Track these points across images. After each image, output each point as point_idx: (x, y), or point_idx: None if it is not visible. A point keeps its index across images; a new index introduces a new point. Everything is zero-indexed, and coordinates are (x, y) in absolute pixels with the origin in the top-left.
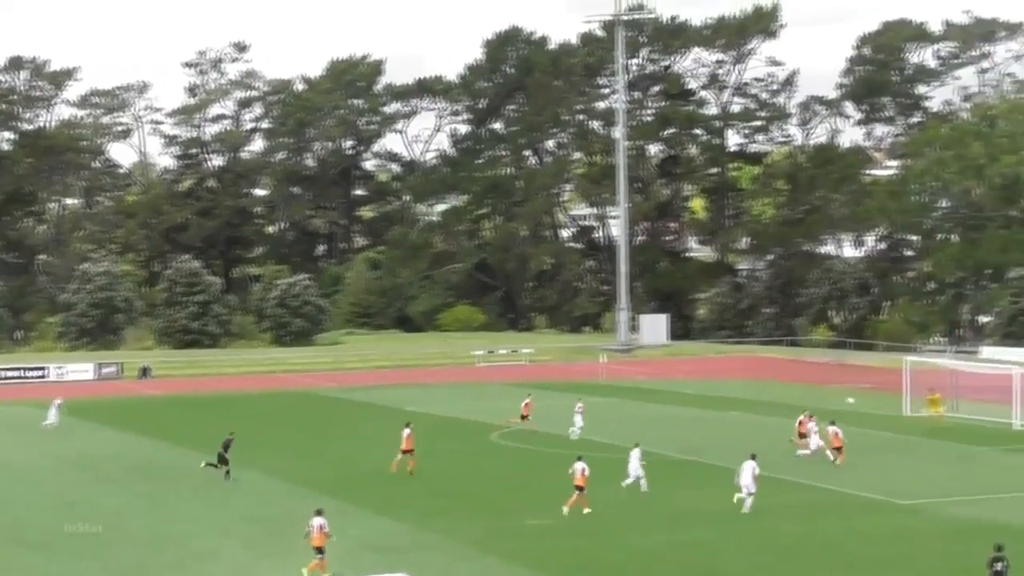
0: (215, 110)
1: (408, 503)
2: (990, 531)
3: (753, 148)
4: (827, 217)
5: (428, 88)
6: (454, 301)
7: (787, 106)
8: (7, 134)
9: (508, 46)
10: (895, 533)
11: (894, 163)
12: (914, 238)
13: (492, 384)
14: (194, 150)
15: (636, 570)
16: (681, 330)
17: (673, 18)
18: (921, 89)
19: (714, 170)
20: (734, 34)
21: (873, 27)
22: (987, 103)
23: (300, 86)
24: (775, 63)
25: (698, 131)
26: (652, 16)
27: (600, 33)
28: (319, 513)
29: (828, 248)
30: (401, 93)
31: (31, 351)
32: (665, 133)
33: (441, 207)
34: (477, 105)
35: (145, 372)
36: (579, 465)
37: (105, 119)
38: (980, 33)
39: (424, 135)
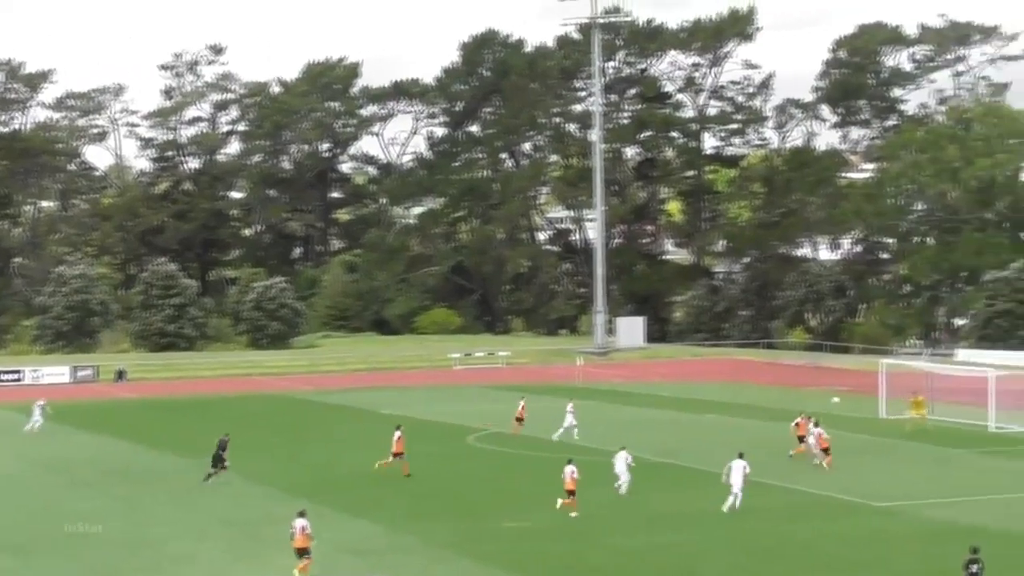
0: (191, 113)
1: (385, 506)
2: (966, 533)
3: (729, 151)
4: (803, 220)
5: (404, 91)
6: (431, 304)
7: (763, 109)
8: None
9: (484, 49)
10: (872, 535)
11: (870, 166)
12: (890, 241)
13: (469, 387)
14: (170, 153)
15: (615, 572)
16: (657, 333)
17: (649, 21)
18: (896, 92)
19: (690, 173)
20: (710, 37)
21: (848, 30)
22: (962, 106)
23: (276, 89)
24: (751, 66)
25: (674, 134)
26: (628, 19)
27: (576, 36)
28: (302, 515)
29: (804, 251)
30: (377, 96)
31: (6, 354)
32: (641, 136)
33: (418, 210)
34: (453, 108)
35: (121, 375)
36: (569, 468)
37: (81, 121)
38: (955, 36)
39: (400, 138)
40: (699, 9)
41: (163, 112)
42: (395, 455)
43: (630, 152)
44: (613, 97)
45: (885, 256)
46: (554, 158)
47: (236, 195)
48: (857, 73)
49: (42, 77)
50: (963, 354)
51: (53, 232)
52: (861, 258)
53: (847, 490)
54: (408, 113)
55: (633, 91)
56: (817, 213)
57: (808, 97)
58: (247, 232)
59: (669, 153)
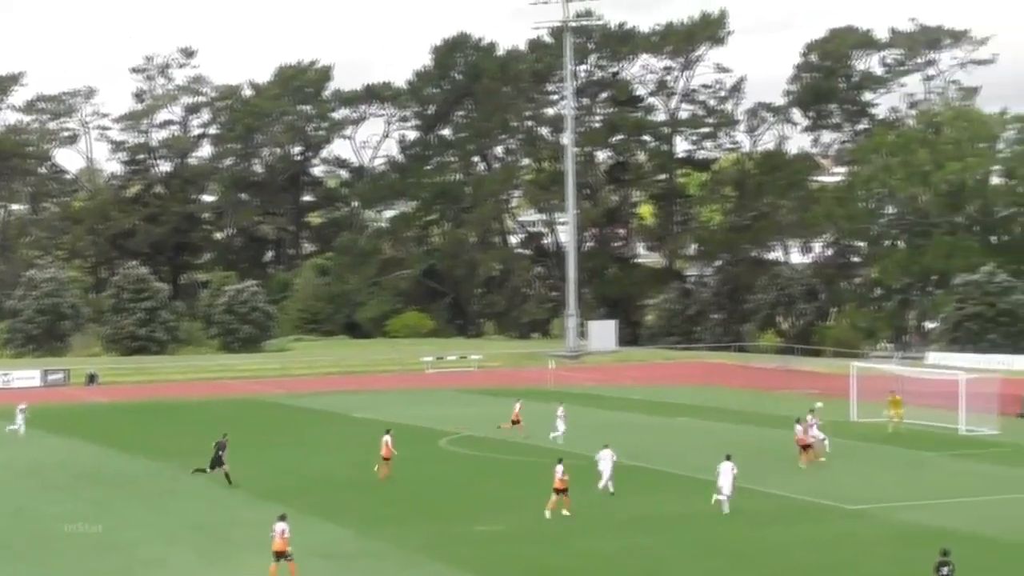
0: (163, 116)
1: (355, 509)
2: (937, 536)
3: (701, 154)
4: (775, 223)
5: (376, 94)
6: (403, 307)
7: (735, 113)
8: None
9: (456, 52)
10: (843, 538)
11: (841, 170)
12: (861, 244)
13: (441, 390)
14: (141, 156)
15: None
16: (629, 336)
17: (621, 25)
18: (867, 96)
19: (662, 176)
20: (682, 41)
21: (820, 34)
22: (932, 110)
23: (248, 92)
24: (723, 70)
25: (646, 137)
26: (600, 23)
27: (548, 39)
28: (282, 518)
29: (776, 254)
30: (349, 99)
31: None
32: (613, 139)
33: (390, 213)
34: (426, 111)
35: (92, 379)
36: (558, 468)
37: (52, 124)
38: (925, 40)
39: (373, 141)
40: (671, 13)
41: (134, 115)
42: (385, 459)
43: (602, 156)
44: (585, 101)
45: (856, 259)
46: (526, 161)
47: (208, 198)
48: (828, 77)
49: (12, 80)
50: (933, 357)
51: (24, 235)
52: (832, 261)
53: (818, 493)
54: (380, 116)
55: (605, 95)
56: (788, 216)
57: (779, 101)
58: (219, 235)
59: (641, 157)
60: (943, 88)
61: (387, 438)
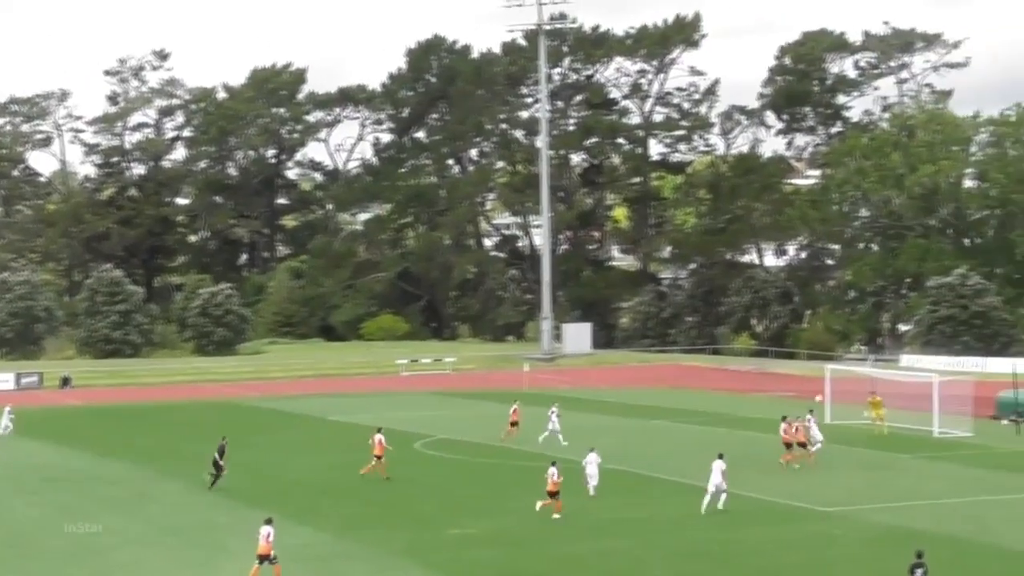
0: (136, 118)
1: (332, 513)
2: (910, 538)
3: (675, 157)
4: (749, 226)
5: (351, 97)
6: (377, 310)
7: (709, 116)
8: None
9: (431, 55)
10: (817, 540)
11: (815, 172)
12: (834, 247)
13: (416, 393)
14: (115, 159)
15: None
16: (604, 339)
17: (595, 28)
18: (841, 99)
19: (636, 179)
20: (656, 44)
21: (793, 37)
22: (906, 113)
23: (222, 94)
24: (697, 73)
25: (621, 140)
26: (574, 25)
27: (522, 42)
28: (268, 522)
29: (750, 257)
30: (323, 102)
31: None
32: (588, 142)
33: (364, 216)
34: (400, 114)
35: (66, 382)
36: (552, 470)
37: (25, 127)
38: (898, 44)
39: (347, 144)
40: (645, 16)
41: (108, 118)
42: (377, 457)
43: (576, 158)
44: (559, 103)
45: (830, 262)
46: (500, 164)
47: (182, 201)
48: (802, 80)
49: None
50: (907, 359)
51: None
52: (806, 264)
53: (793, 495)
54: (354, 119)
55: (579, 97)
56: (763, 219)
57: (753, 104)
58: (193, 238)
59: (615, 159)
60: (916, 91)
61: (379, 436)
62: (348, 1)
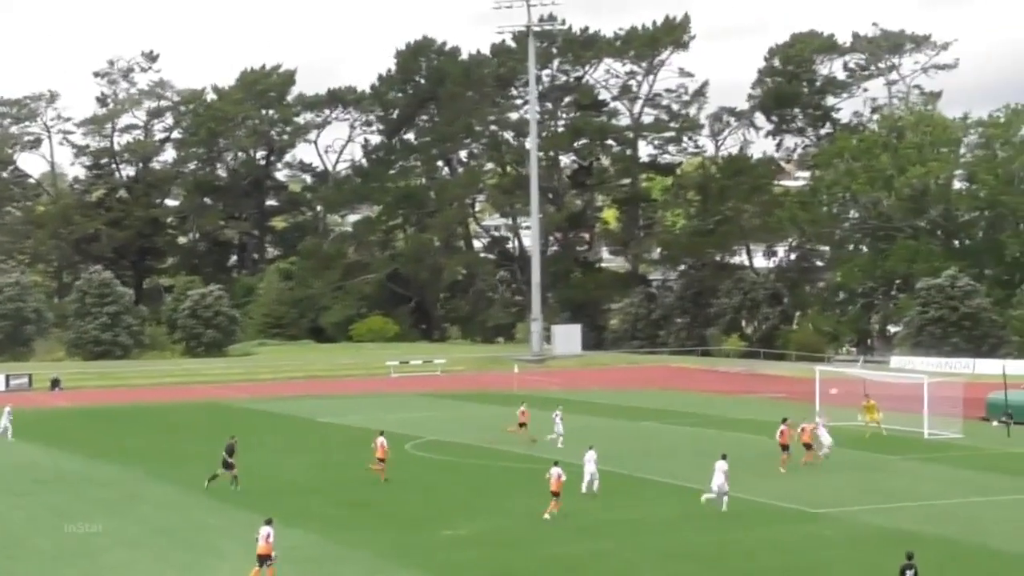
0: (125, 120)
1: (321, 514)
2: (901, 539)
3: (665, 159)
4: (738, 228)
5: (340, 98)
6: (367, 312)
7: (698, 117)
8: None
9: (420, 56)
10: (808, 542)
11: (804, 174)
12: (824, 248)
13: (406, 395)
14: (105, 160)
15: None
16: (594, 340)
17: (584, 29)
18: (830, 100)
19: (626, 181)
20: (645, 45)
21: (783, 39)
22: (895, 115)
23: (211, 96)
24: (686, 74)
25: (610, 142)
26: (563, 27)
27: (512, 44)
28: (268, 523)
29: (739, 258)
30: (313, 103)
31: None
32: (577, 144)
33: (353, 218)
34: (389, 115)
35: (56, 384)
36: (555, 471)
37: (14, 129)
38: (887, 45)
39: (336, 145)
40: (634, 17)
41: (97, 119)
42: (380, 460)
43: (566, 160)
44: (548, 105)
45: (819, 264)
46: (490, 166)
47: (171, 203)
48: (791, 81)
49: None
50: (897, 361)
51: None
52: (795, 265)
53: (784, 497)
54: (344, 121)
55: (568, 99)
56: (752, 221)
57: (743, 105)
58: (182, 240)
59: (605, 161)
60: (905, 93)
61: (381, 440)
62: (338, 3)
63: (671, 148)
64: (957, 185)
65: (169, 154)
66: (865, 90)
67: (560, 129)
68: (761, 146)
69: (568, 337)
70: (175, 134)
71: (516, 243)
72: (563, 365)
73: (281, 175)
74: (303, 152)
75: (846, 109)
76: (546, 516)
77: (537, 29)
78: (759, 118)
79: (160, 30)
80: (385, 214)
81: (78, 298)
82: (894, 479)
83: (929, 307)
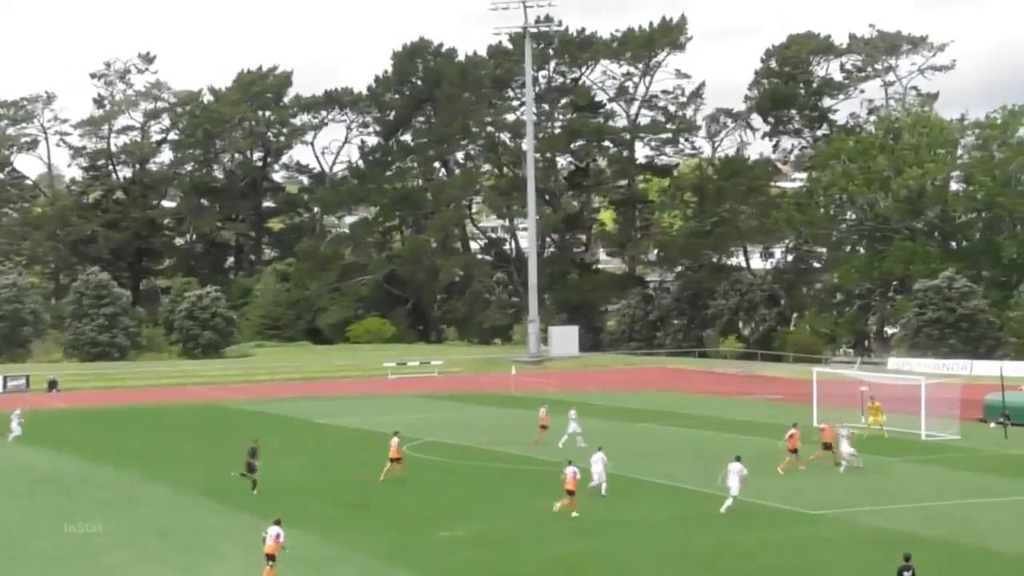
0: (122, 121)
1: (319, 516)
2: (898, 540)
3: (661, 160)
4: (735, 229)
5: (337, 100)
6: (364, 313)
7: (695, 118)
8: None
9: (417, 58)
10: (805, 543)
11: (801, 175)
12: (821, 250)
13: (403, 396)
14: (101, 162)
15: None
16: (591, 342)
17: (581, 30)
18: (827, 102)
19: (623, 182)
20: (642, 46)
21: (779, 40)
22: (892, 116)
23: (208, 97)
24: (683, 76)
25: (607, 143)
26: (560, 28)
27: (508, 45)
28: (277, 523)
29: (736, 260)
30: (310, 105)
31: None
32: (574, 145)
33: (350, 219)
34: (386, 117)
35: (53, 385)
36: (570, 470)
37: (11, 130)
38: (884, 47)
39: (333, 147)
40: (630, 18)
41: (94, 121)
42: (392, 460)
43: (562, 161)
44: (545, 106)
45: (816, 265)
46: (486, 167)
47: (168, 204)
48: (788, 83)
49: None
50: (894, 362)
51: None
52: (792, 267)
53: (781, 498)
54: (340, 122)
55: (565, 100)
56: (749, 222)
57: (739, 107)
58: (179, 241)
59: (601, 162)
60: (902, 94)
61: (395, 440)
62: (334, 4)
63: (668, 149)
64: (954, 186)
65: (166, 155)
66: (862, 91)
67: (557, 130)
68: (758, 147)
69: (565, 338)
70: (172, 135)
71: (513, 244)
72: (560, 366)
73: (278, 176)
74: (300, 153)
75: (843, 110)
76: (557, 506)
77: (533, 30)
78: (756, 119)
79: (157, 32)
80: (382, 215)
81: (75, 299)
82: (892, 480)
83: (926, 308)
